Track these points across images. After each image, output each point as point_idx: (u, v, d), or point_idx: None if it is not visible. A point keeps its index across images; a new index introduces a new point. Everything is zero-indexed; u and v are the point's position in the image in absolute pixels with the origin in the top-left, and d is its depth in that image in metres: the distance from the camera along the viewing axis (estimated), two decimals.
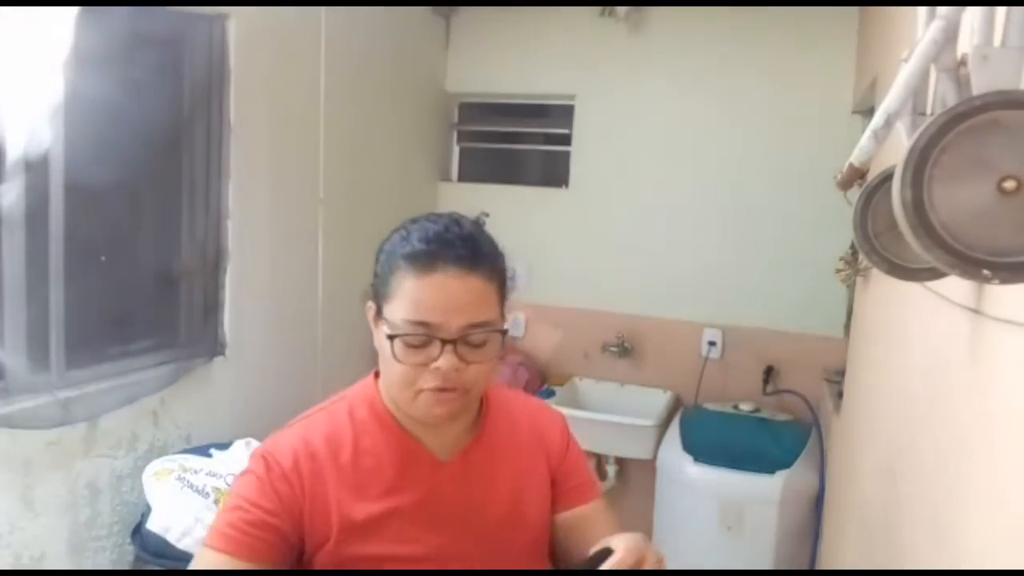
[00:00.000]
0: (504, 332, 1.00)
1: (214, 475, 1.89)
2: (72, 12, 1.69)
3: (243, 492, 0.99)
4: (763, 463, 2.49)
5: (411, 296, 0.94)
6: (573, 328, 3.23)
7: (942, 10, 0.68)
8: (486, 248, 0.99)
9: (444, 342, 0.94)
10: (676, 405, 3.03)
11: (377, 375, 1.07)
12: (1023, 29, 0.62)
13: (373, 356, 1.03)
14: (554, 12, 3.14)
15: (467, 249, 0.96)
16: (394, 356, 0.95)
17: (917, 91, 0.75)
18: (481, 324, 0.96)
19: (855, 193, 0.91)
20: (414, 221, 1.01)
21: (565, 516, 1.12)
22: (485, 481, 1.07)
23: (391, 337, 0.94)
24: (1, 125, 1.61)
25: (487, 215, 0.94)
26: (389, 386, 1.02)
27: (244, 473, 1.02)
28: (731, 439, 2.64)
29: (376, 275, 1.01)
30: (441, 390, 0.95)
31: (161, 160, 2.10)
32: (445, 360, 0.94)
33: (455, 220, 1.00)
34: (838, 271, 2.37)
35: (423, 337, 0.94)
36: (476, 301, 0.96)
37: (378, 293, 0.99)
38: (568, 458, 1.16)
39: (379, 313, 0.99)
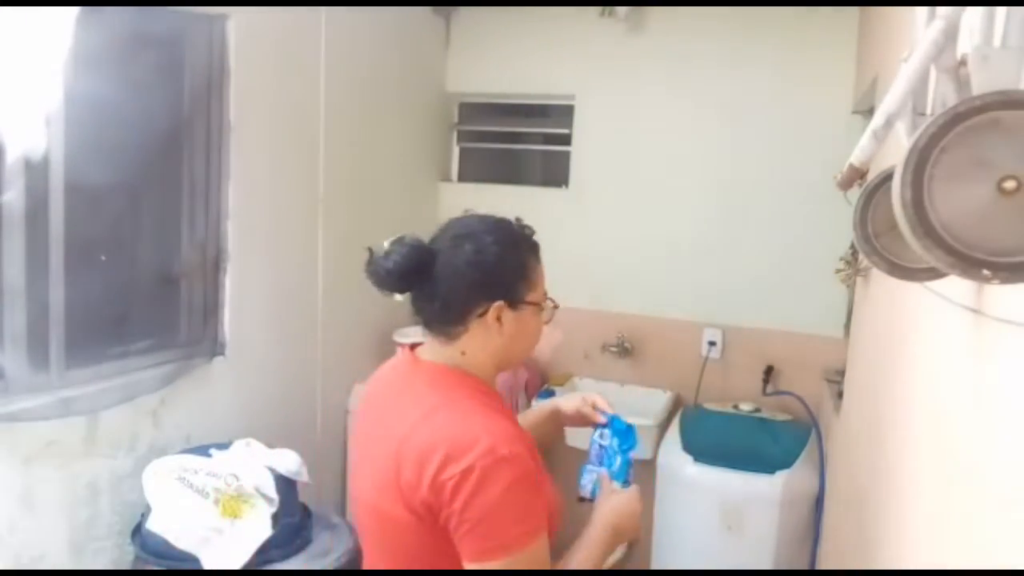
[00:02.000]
0: None
1: (214, 475, 1.89)
2: (72, 12, 1.69)
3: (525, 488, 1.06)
4: (763, 463, 2.49)
5: (543, 275, 1.25)
6: (573, 328, 3.22)
7: (942, 10, 0.68)
8: None
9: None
10: (676, 405, 3.03)
11: (456, 375, 1.18)
12: (1023, 29, 0.63)
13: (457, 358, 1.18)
14: (554, 12, 3.14)
15: None
16: (547, 321, 1.25)
17: (917, 91, 0.75)
18: None
19: (855, 193, 0.91)
20: (496, 223, 1.25)
21: None
22: None
23: (556, 306, 1.26)
24: (1, 125, 1.61)
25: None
26: (521, 351, 1.26)
27: (512, 479, 1.05)
28: (731, 439, 2.64)
29: (509, 275, 1.19)
30: None
31: (161, 160, 2.10)
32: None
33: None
34: (838, 271, 2.37)
35: None
36: None
37: (519, 287, 1.19)
38: None
39: (517, 303, 1.18)
